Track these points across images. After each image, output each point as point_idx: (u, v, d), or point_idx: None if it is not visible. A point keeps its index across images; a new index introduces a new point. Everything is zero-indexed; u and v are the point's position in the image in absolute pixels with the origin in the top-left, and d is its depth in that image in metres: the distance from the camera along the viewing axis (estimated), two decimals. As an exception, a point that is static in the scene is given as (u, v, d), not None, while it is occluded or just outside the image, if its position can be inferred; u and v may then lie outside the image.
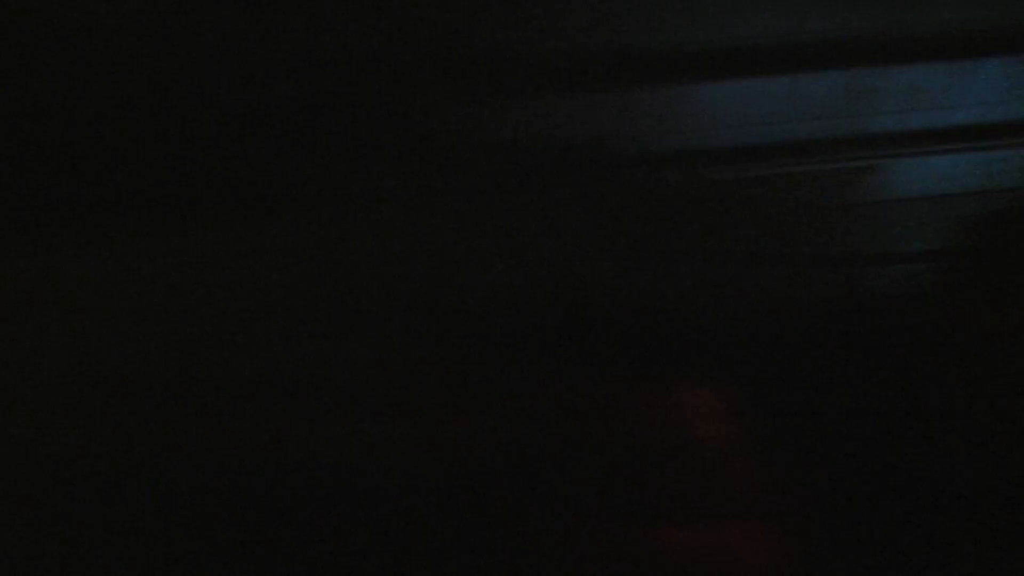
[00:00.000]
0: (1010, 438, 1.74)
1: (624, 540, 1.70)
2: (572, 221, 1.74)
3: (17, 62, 1.67)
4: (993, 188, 1.79)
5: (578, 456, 1.70)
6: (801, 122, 1.77)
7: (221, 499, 1.68)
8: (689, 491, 1.69)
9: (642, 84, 1.76)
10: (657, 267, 1.73)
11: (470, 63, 1.74)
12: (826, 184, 1.76)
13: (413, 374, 1.70)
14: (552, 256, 1.73)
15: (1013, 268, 1.77)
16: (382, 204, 1.73)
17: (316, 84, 1.74)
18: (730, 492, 1.68)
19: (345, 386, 1.70)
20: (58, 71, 1.69)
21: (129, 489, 1.69)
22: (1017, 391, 1.74)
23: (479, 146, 1.74)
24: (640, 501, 1.69)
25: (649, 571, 1.68)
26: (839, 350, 1.73)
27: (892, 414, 1.74)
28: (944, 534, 1.73)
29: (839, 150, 1.77)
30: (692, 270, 1.73)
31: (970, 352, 1.75)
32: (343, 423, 1.69)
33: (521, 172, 1.75)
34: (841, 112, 1.77)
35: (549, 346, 1.71)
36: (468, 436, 1.69)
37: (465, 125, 1.73)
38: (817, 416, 1.72)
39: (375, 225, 1.73)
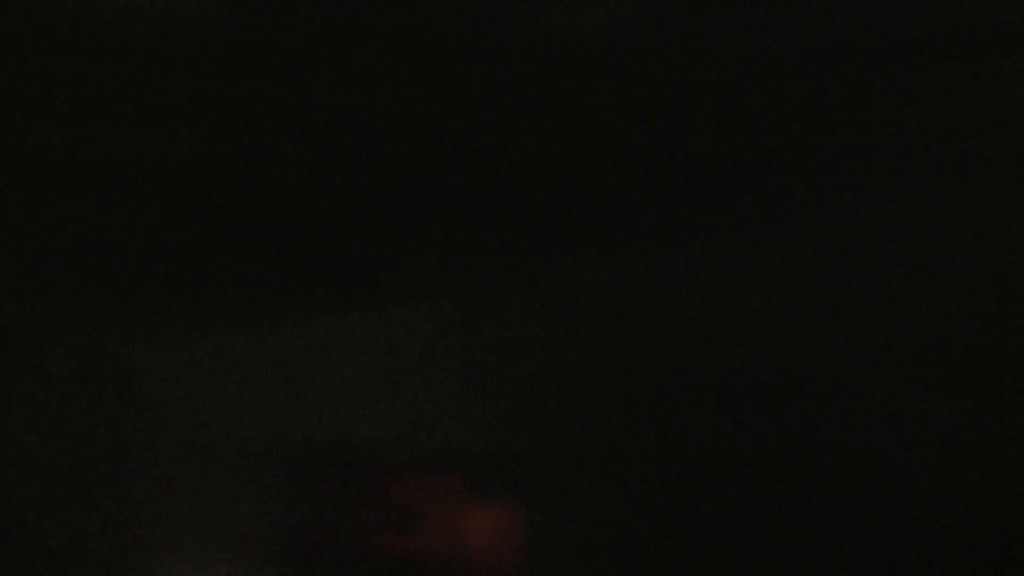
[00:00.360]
0: None
1: None
2: None
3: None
4: None
5: None
6: None
7: (794, 494, 1.66)
8: None
9: None
10: None
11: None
12: None
13: (964, 362, 1.67)
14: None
15: None
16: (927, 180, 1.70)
17: (840, 76, 1.71)
18: None
19: (896, 380, 1.67)
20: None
21: (694, 485, 1.69)
22: None
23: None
24: None
25: None
26: None
27: None
28: None
29: None
30: None
31: None
32: (895, 418, 1.67)
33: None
34: None
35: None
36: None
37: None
38: None
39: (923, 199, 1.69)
